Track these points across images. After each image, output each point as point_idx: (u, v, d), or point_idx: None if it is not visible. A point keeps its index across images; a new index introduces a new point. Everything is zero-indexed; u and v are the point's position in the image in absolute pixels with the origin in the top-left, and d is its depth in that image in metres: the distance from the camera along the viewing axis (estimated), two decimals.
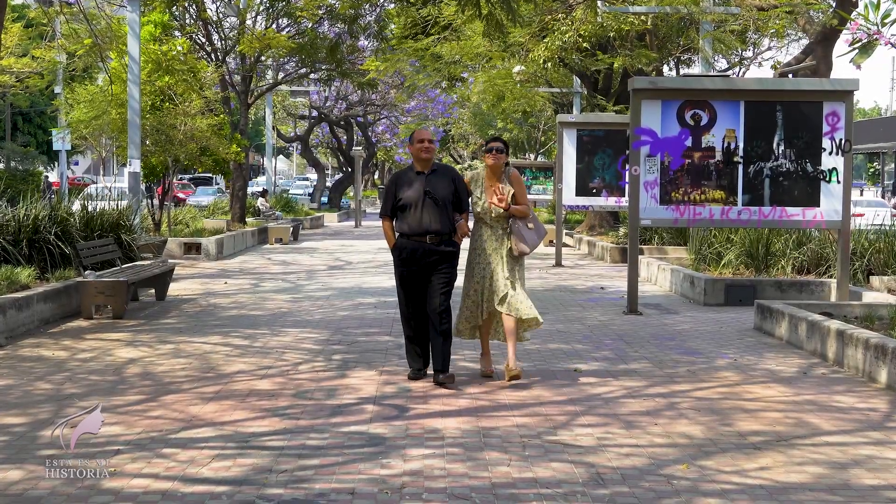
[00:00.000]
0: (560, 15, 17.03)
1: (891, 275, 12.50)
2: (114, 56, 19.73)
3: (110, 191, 18.38)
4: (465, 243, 7.84)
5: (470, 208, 7.89)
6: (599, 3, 17.12)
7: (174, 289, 13.67)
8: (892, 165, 55.59)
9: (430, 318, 7.56)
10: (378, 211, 8.76)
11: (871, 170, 61.64)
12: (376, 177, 67.95)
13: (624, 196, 18.74)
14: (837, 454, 5.78)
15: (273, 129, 42.20)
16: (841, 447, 5.94)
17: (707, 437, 6.14)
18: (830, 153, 11.65)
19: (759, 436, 6.17)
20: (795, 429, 6.36)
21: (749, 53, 29.00)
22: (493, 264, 7.70)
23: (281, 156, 75.68)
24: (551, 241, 19.99)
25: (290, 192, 46.53)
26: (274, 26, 26.94)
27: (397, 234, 7.70)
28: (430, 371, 7.75)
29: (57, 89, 28.81)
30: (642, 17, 19.44)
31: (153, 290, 12.94)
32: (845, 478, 5.32)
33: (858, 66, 8.46)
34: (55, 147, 34.01)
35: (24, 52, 26.91)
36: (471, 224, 7.89)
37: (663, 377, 8.00)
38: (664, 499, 4.93)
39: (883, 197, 45.41)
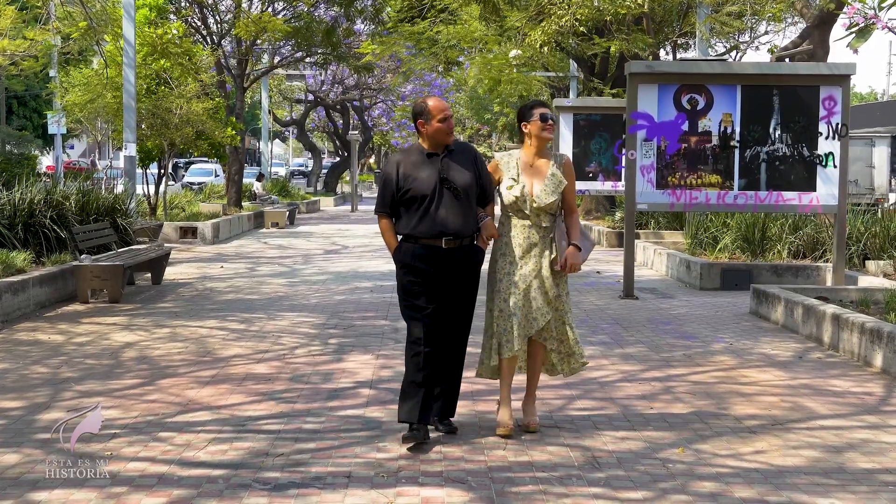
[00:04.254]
0: None
1: (887, 259, 12.51)
2: (109, 39, 19.67)
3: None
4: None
5: (499, 198, 5.93)
6: None
7: (170, 273, 13.66)
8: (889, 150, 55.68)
9: (441, 352, 5.69)
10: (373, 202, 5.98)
11: None
12: (372, 161, 67.87)
13: (620, 180, 18.74)
14: (833, 438, 5.80)
15: (269, 112, 42.12)
16: (836, 431, 5.96)
17: (703, 420, 6.15)
18: (827, 137, 11.66)
19: (754, 420, 6.18)
20: (791, 413, 6.38)
21: (746, 37, 28.91)
22: (529, 275, 5.72)
23: (277, 140, 75.53)
24: None
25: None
26: (270, 10, 26.84)
27: (400, 237, 5.75)
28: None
29: (52, 72, 28.70)
30: (639, 1, 19.37)
31: (149, 275, 12.94)
32: (840, 461, 5.34)
33: (855, 51, 8.45)
34: (50, 131, 33.91)
35: (18, 34, 26.79)
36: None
37: (659, 361, 8.01)
38: (660, 482, 4.95)
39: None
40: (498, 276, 5.76)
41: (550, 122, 5.80)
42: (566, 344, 5.84)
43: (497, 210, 5.87)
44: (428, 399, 5.60)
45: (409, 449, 5.41)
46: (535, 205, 5.71)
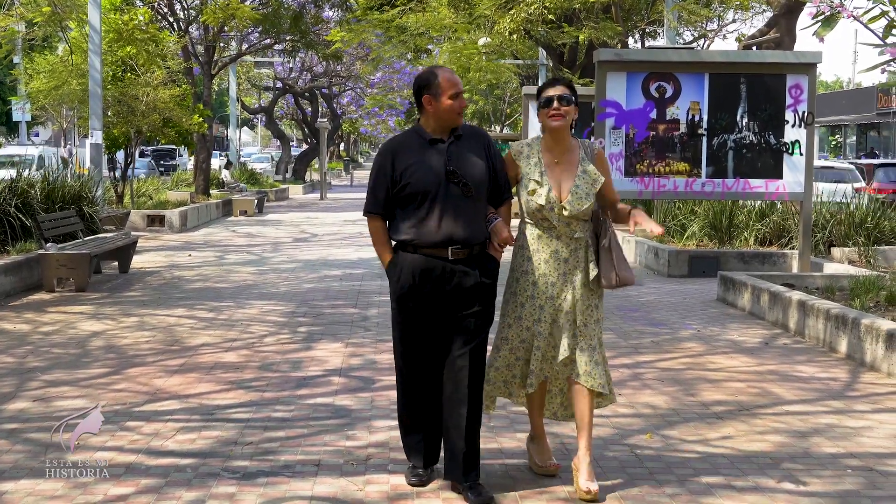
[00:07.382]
0: None
1: (851, 246, 12.65)
2: (74, 25, 19.44)
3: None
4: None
5: (519, 199, 4.81)
6: None
7: (138, 261, 13.56)
8: (854, 138, 56.19)
9: (448, 389, 4.64)
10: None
11: (833, 142, 62.29)
12: (342, 148, 67.66)
13: None
14: (798, 423, 5.86)
15: (237, 100, 41.84)
16: (802, 416, 6.02)
17: (671, 407, 6.20)
18: (793, 125, 11.73)
19: (721, 405, 6.24)
20: (757, 398, 6.44)
21: (713, 26, 29.08)
22: (558, 298, 4.64)
23: (245, 127, 75.13)
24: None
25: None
26: None
27: (394, 244, 4.67)
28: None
29: (16, 59, 28.36)
30: None
31: (116, 263, 12.83)
32: (805, 446, 5.40)
33: (821, 39, 8.51)
34: (15, 118, 33.54)
35: None
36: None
37: (628, 348, 8.05)
38: (628, 468, 4.98)
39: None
40: (519, 300, 4.68)
41: (558, 103, 4.62)
42: (595, 371, 4.66)
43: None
44: (433, 439, 4.77)
45: (411, 483, 4.76)
46: (564, 213, 4.60)
